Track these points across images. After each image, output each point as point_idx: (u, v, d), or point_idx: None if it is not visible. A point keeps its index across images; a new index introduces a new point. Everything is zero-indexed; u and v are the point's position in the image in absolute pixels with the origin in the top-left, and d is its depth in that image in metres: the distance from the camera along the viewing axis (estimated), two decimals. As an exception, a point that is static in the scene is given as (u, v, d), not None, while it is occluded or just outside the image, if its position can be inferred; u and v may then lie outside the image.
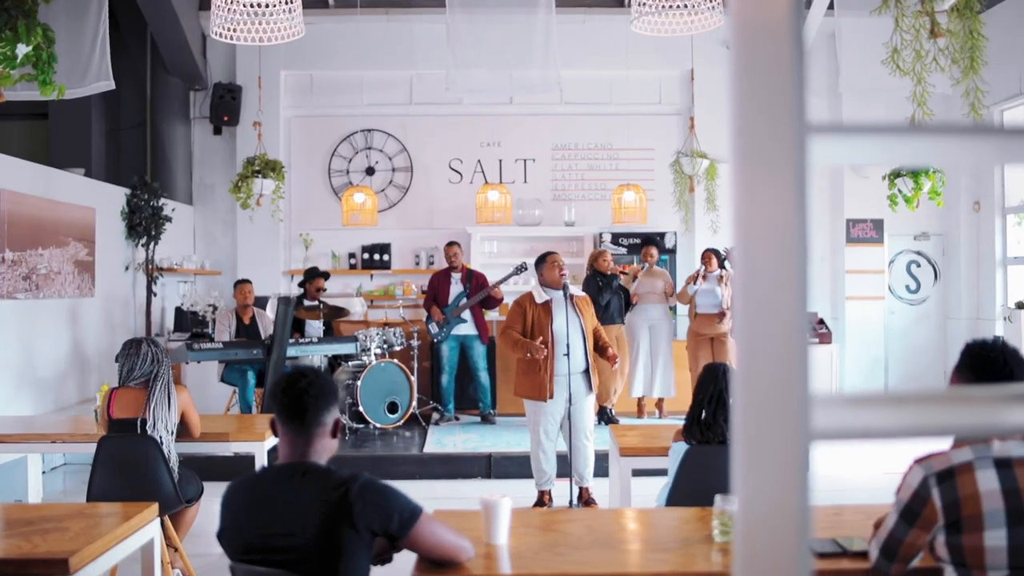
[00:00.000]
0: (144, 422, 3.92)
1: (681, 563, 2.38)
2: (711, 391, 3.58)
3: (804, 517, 0.72)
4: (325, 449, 2.31)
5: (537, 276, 5.34)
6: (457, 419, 7.93)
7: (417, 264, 9.69)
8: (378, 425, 7.33)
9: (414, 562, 2.33)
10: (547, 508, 5.11)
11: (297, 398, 2.26)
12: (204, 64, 9.57)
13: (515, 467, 6.30)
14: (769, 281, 0.74)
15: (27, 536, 2.65)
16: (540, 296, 5.20)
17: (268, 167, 7.58)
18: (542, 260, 5.31)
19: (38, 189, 6.69)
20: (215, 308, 8.53)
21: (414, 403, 7.44)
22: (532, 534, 2.65)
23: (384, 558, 2.49)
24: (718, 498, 2.53)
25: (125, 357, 3.99)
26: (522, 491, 5.31)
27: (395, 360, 7.50)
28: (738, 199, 0.75)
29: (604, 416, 7.38)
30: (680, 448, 3.57)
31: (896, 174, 7.27)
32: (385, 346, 7.56)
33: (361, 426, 7.47)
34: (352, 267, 9.68)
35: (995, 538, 2.02)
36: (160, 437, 3.93)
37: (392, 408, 7.37)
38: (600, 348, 5.27)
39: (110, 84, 5.08)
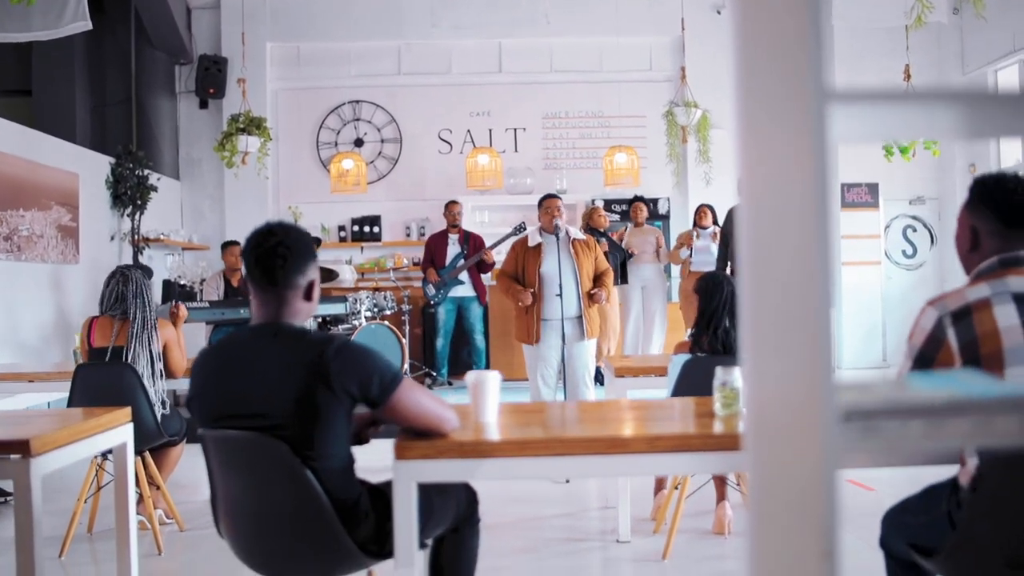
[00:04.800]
0: (123, 351, 3.79)
1: (682, 430, 2.25)
2: (719, 300, 3.47)
3: (826, 356, 0.67)
4: (300, 311, 2.18)
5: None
6: (450, 383, 7.80)
7: (408, 235, 9.55)
8: (369, 389, 7.19)
9: (398, 430, 2.20)
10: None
11: (267, 259, 2.11)
12: (189, 37, 9.44)
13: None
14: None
15: (-9, 428, 2.52)
16: (533, 239, 5.17)
17: (253, 124, 7.44)
18: (540, 203, 5.25)
19: (19, 150, 6.54)
20: (204, 281, 8.37)
21: (406, 367, 7.30)
22: (524, 416, 2.52)
23: (362, 437, 2.36)
24: (719, 370, 2.40)
25: (111, 285, 3.87)
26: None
27: (386, 323, 7.36)
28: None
29: (596, 376, 7.25)
30: (680, 359, 3.47)
31: (891, 123, 7.16)
32: (375, 309, 7.42)
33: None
34: (342, 240, 9.54)
35: (1017, 376, 1.86)
36: (141, 369, 3.80)
37: (384, 371, 7.22)
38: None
39: (87, 24, 4.94)
